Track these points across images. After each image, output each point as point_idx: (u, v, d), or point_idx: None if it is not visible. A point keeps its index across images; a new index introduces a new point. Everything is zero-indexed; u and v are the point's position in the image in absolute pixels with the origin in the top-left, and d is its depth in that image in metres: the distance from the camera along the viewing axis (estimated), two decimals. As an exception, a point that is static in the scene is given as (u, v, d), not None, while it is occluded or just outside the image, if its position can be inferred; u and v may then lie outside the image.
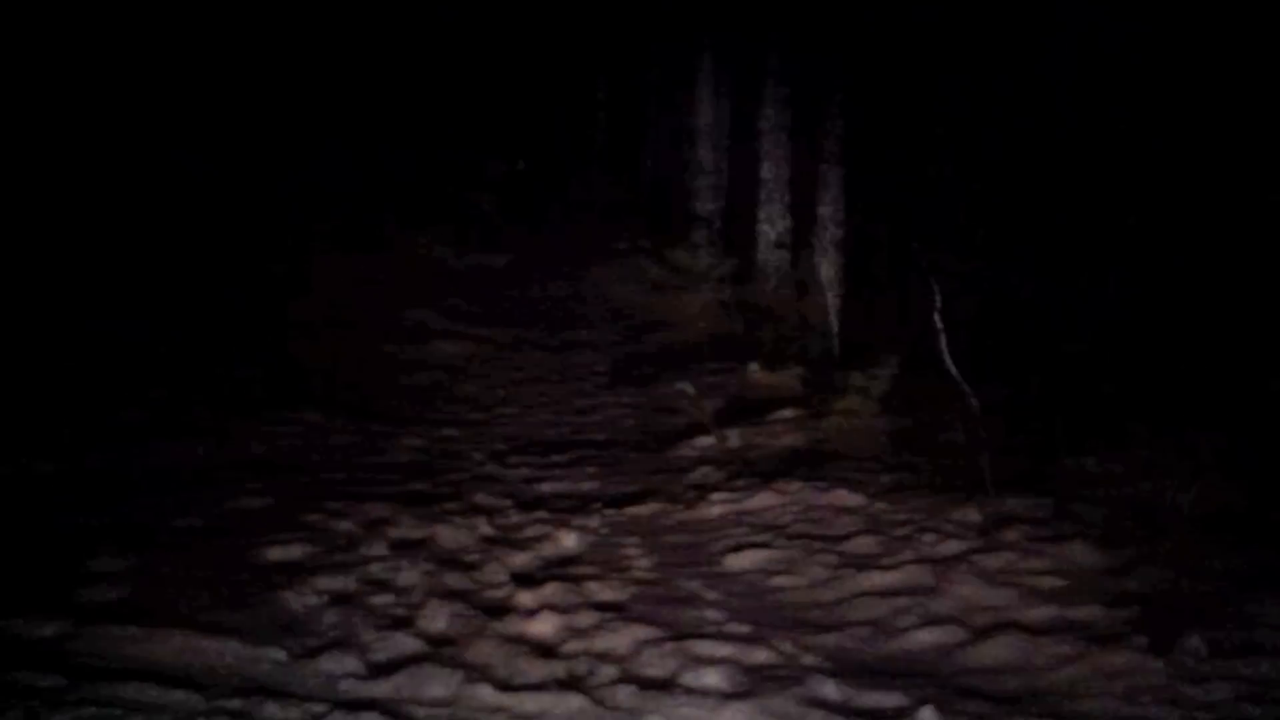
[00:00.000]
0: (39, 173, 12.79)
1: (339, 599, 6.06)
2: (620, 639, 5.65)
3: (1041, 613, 5.82)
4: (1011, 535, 6.70)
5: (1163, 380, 8.73)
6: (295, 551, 6.71)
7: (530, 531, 7.42)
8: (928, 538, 6.78)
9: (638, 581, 6.53)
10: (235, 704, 4.86)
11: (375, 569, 6.50)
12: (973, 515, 7.04)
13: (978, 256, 11.56)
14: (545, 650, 5.58)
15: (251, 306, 13.18)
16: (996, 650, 5.51)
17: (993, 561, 6.37)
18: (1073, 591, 6.02)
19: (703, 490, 8.21)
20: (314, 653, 5.45)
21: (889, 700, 4.99)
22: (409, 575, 6.40)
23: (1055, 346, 9.89)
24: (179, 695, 4.90)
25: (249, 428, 9.54)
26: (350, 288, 14.54)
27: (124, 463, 8.48)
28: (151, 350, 11.54)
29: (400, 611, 5.97)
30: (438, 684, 5.17)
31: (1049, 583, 6.14)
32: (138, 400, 9.62)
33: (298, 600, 6.00)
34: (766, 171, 13.81)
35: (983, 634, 5.65)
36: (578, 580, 6.49)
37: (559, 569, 6.77)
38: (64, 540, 6.67)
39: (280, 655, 5.40)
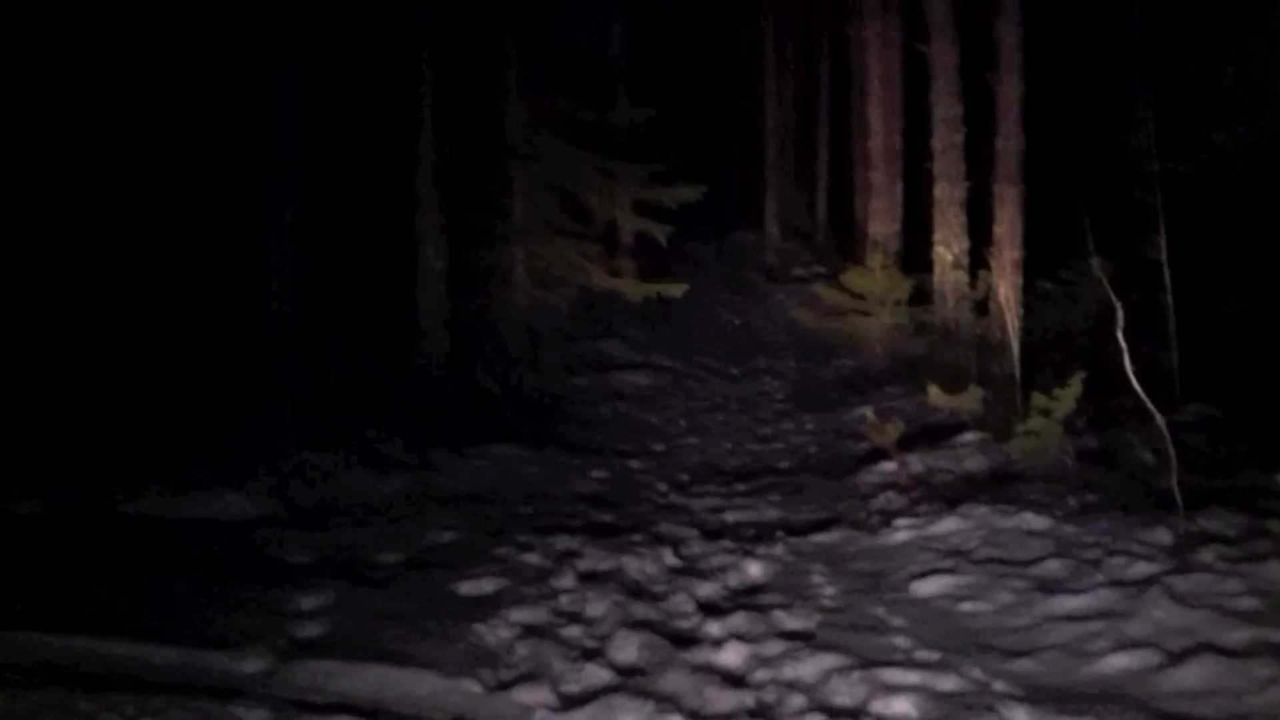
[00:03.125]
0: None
1: (530, 631, 6.20)
2: (808, 667, 5.68)
3: (1239, 635, 5.64)
4: (1205, 556, 6.53)
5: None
6: (487, 585, 6.89)
7: (715, 561, 7.50)
8: (1118, 560, 6.65)
9: (824, 609, 6.55)
10: (434, 735, 5.04)
11: (564, 601, 6.65)
12: (1164, 536, 6.89)
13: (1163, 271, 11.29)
14: (734, 679, 5.63)
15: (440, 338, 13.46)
16: (1193, 674, 5.36)
17: (1186, 583, 6.21)
18: (1272, 612, 5.84)
19: (887, 516, 8.20)
20: (507, 684, 5.59)
21: (1082, 727, 4.93)
22: (597, 606, 6.53)
23: (1250, 362, 9.64)
24: (380, 727, 5.10)
25: (443, 460, 9.81)
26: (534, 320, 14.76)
27: (330, 493, 8.80)
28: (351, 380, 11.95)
29: (590, 643, 6.09)
30: (629, 714, 5.26)
31: (1246, 604, 5.94)
32: (342, 435, 9.89)
33: (491, 633, 6.16)
34: (941, 191, 13.65)
35: (1178, 658, 5.50)
36: (764, 609, 6.53)
37: (745, 598, 6.84)
38: (270, 574, 6.95)
39: (475, 687, 5.55)
